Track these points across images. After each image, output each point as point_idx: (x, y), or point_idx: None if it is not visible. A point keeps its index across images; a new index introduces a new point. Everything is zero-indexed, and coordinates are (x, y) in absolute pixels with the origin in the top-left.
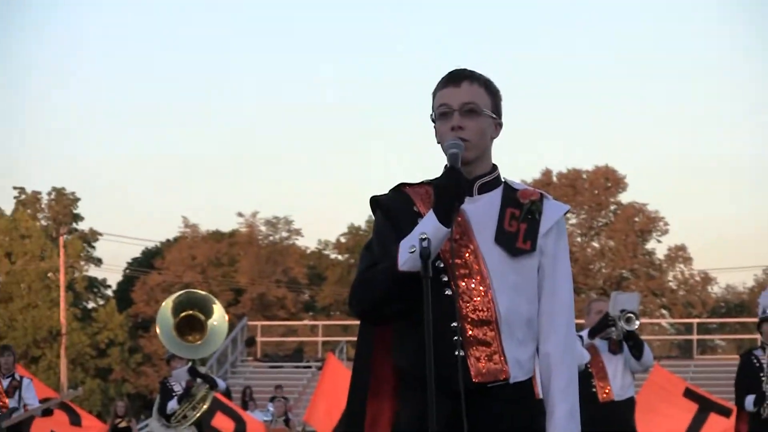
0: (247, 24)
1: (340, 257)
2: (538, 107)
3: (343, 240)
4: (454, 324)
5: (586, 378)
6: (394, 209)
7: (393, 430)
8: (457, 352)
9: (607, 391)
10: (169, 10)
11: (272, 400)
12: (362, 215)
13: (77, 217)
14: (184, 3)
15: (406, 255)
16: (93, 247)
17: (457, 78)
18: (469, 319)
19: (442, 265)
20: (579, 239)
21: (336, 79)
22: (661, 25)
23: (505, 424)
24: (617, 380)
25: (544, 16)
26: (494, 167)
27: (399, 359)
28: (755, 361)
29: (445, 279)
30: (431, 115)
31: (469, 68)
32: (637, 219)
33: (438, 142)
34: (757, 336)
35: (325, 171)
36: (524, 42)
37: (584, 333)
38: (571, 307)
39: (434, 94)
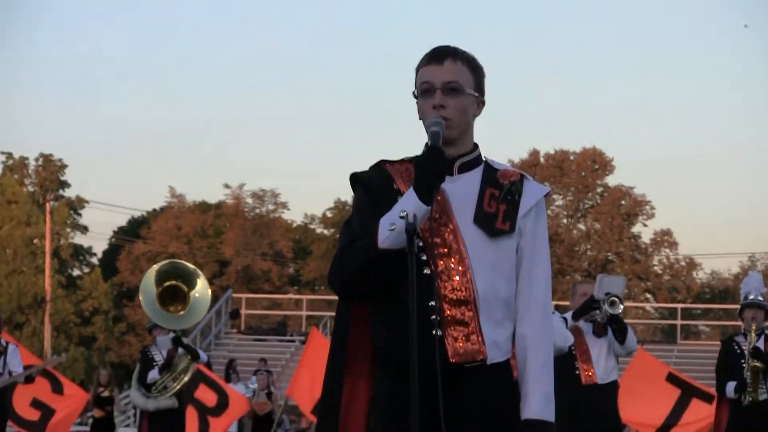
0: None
1: (326, 232)
2: (526, 87)
3: (329, 214)
4: (432, 303)
5: (569, 360)
6: (374, 186)
7: (370, 406)
8: (434, 332)
9: (590, 373)
10: None
11: (256, 373)
12: (349, 190)
13: (64, 184)
14: None
15: (386, 232)
16: (79, 215)
17: (439, 55)
18: (448, 299)
19: (420, 244)
20: (565, 221)
21: (324, 53)
22: (651, 7)
23: (482, 405)
24: (601, 363)
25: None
26: (475, 146)
27: (376, 337)
28: (736, 347)
29: (424, 258)
30: (413, 91)
31: (452, 45)
32: (623, 202)
33: (420, 119)
34: (740, 322)
35: (312, 145)
36: (514, 22)
37: (568, 315)
38: (548, 290)
39: (417, 70)
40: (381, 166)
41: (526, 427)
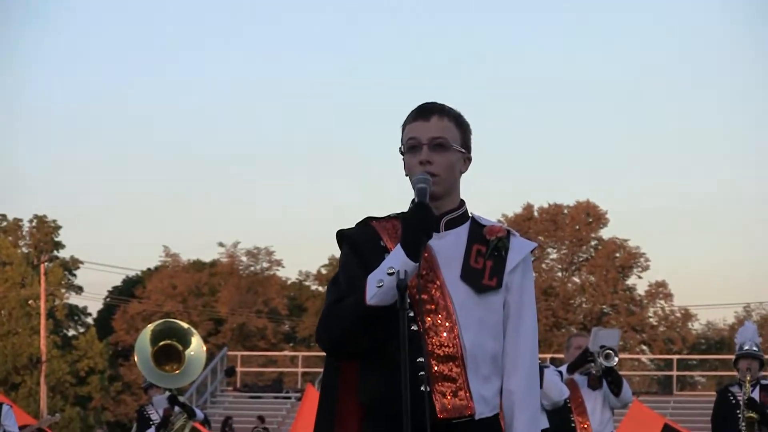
0: (230, 51)
1: (320, 288)
2: (519, 142)
3: (324, 271)
4: (420, 359)
5: (565, 413)
6: (361, 243)
7: None
8: (422, 388)
9: (585, 426)
10: (157, 39)
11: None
12: None
13: (58, 245)
14: (173, 34)
15: (374, 289)
16: (74, 275)
17: (426, 112)
18: (435, 355)
19: (408, 301)
20: (560, 274)
21: (315, 110)
22: (641, 61)
23: None
24: (596, 416)
25: (526, 49)
26: (462, 203)
27: (363, 394)
28: (731, 397)
29: (411, 314)
30: (400, 148)
31: (439, 102)
32: (618, 255)
33: (406, 175)
34: (736, 373)
35: (306, 202)
36: (506, 76)
37: (564, 368)
38: (535, 346)
39: (403, 127)
40: (367, 223)
41: None
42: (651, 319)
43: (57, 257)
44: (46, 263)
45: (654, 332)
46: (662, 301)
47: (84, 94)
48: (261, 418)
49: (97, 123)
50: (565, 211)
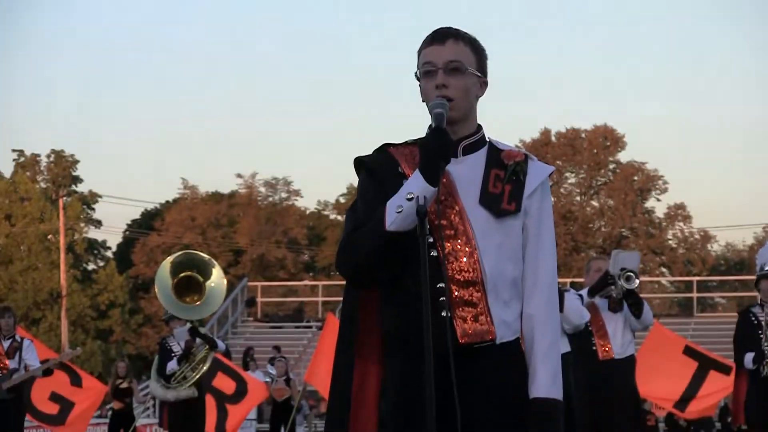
0: None
1: (339, 218)
2: (536, 67)
3: (342, 200)
4: (441, 285)
5: (586, 336)
6: (379, 170)
7: (381, 392)
8: (443, 313)
9: (607, 349)
10: None
11: (271, 361)
12: None
13: (77, 179)
14: None
15: (394, 215)
16: (92, 209)
17: (441, 36)
18: (455, 280)
19: (427, 227)
20: (578, 198)
21: (334, 40)
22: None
23: (493, 383)
24: (617, 338)
25: None
26: (479, 127)
27: (385, 321)
28: (753, 318)
29: (431, 240)
30: (416, 73)
31: (454, 27)
32: (636, 178)
33: (423, 101)
34: (757, 294)
35: (323, 132)
36: (526, 2)
37: (584, 292)
38: (554, 269)
39: (419, 52)
40: (385, 149)
41: (534, 406)
42: (670, 242)
43: (75, 191)
44: (64, 198)
45: (673, 254)
46: (681, 223)
47: (101, 28)
48: (277, 348)
49: (113, 58)
50: (583, 136)
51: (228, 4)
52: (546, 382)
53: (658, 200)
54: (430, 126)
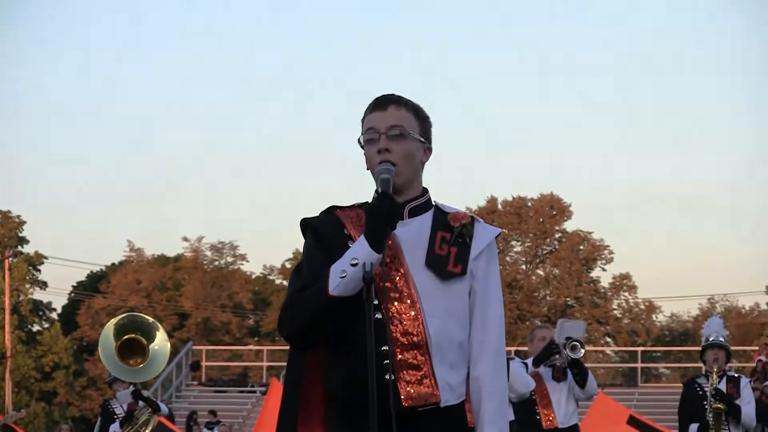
0: (197, 43)
1: (285, 282)
2: (484, 134)
3: (288, 265)
4: (385, 348)
5: (530, 405)
6: (325, 232)
7: None
8: (387, 376)
9: (551, 418)
10: (119, 30)
11: (208, 425)
12: None
13: (23, 240)
14: (136, 28)
15: (338, 279)
16: (38, 270)
17: (383, 102)
18: (399, 343)
19: (373, 291)
20: (524, 267)
21: (280, 104)
22: (608, 53)
23: None
24: (561, 408)
25: (490, 41)
26: (425, 191)
27: (329, 383)
28: (698, 389)
29: (376, 302)
30: (359, 139)
31: (396, 93)
32: (582, 247)
33: (368, 169)
34: (701, 364)
35: (270, 197)
36: (472, 66)
37: (529, 361)
38: (502, 332)
39: (362, 119)
40: (331, 211)
41: None
42: (615, 311)
43: (21, 253)
44: (10, 258)
45: (618, 324)
46: (626, 293)
47: (47, 87)
48: (213, 413)
49: (63, 116)
50: (529, 204)
51: (178, 64)
52: None
53: (604, 270)
54: (376, 191)
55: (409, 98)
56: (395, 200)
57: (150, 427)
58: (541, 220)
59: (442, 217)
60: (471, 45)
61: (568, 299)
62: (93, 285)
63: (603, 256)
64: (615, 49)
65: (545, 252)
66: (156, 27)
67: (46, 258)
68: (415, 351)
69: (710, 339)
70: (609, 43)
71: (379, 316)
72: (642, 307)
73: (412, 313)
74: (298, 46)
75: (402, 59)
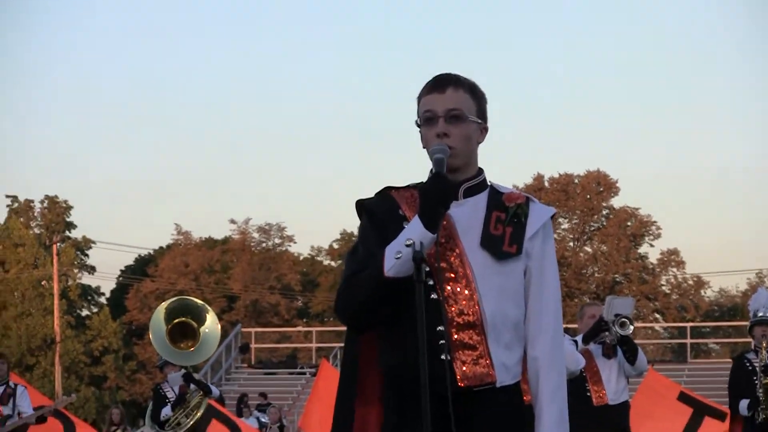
0: (241, 28)
1: (333, 263)
2: (530, 112)
3: (335, 246)
4: (440, 328)
5: (580, 382)
6: (380, 213)
7: None
8: (443, 356)
9: (601, 395)
10: (168, 20)
11: (259, 408)
12: (355, 221)
13: (70, 225)
14: (185, 17)
15: (392, 260)
16: (86, 255)
17: (441, 84)
18: (455, 323)
19: (427, 269)
20: (571, 244)
21: (327, 84)
22: (653, 30)
23: (492, 428)
24: (611, 384)
25: (538, 20)
26: (480, 171)
27: (385, 364)
28: (748, 364)
29: (431, 283)
30: (416, 120)
31: (454, 73)
32: (629, 223)
33: (424, 147)
34: (751, 339)
35: (317, 177)
36: (517, 47)
37: (579, 338)
38: (559, 311)
39: (419, 99)
40: (386, 193)
41: None
42: (664, 287)
43: (69, 237)
44: (58, 243)
45: (667, 300)
46: (674, 269)
47: (95, 73)
48: (264, 395)
49: (108, 102)
50: (576, 181)
51: (225, 50)
52: (551, 425)
53: (652, 246)
54: (431, 171)
55: (465, 77)
56: (449, 180)
57: (202, 410)
58: (588, 196)
59: (497, 198)
60: (521, 21)
61: (616, 276)
62: (141, 269)
63: (651, 232)
64: (655, 22)
65: (593, 229)
66: (198, 11)
67: (93, 242)
68: (471, 331)
69: (758, 314)
70: (649, 15)
71: (434, 296)
72: (690, 282)
73: (468, 293)
74: (338, 29)
75: (446, 41)
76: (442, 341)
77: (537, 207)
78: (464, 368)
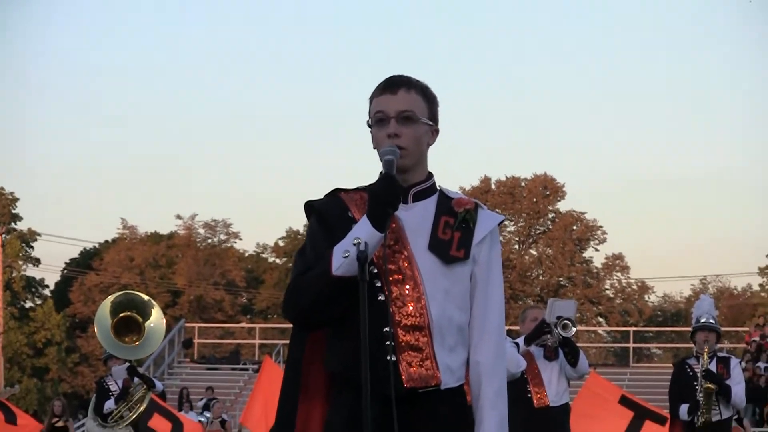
0: (196, 31)
1: (278, 261)
2: (477, 114)
3: (281, 243)
4: (387, 329)
5: (521, 384)
6: (329, 214)
7: None
8: (389, 357)
9: (542, 396)
10: (115, 14)
11: (206, 402)
12: (300, 219)
13: (16, 217)
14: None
15: (340, 260)
16: (31, 247)
17: (393, 85)
18: (402, 325)
19: (375, 271)
20: (517, 247)
21: (275, 82)
22: (600, 33)
23: (435, 430)
24: (552, 386)
25: (486, 22)
26: (430, 175)
27: (330, 363)
28: (689, 369)
29: (379, 284)
30: (367, 121)
31: (406, 75)
32: (575, 227)
33: (374, 148)
34: (692, 345)
35: (264, 175)
36: (466, 48)
37: (520, 340)
38: (502, 317)
39: (371, 100)
40: (335, 194)
41: None
42: (608, 292)
43: (14, 229)
44: (3, 235)
45: (611, 304)
46: (619, 274)
47: (40, 65)
48: (210, 389)
49: (57, 95)
50: (523, 184)
51: (173, 42)
52: (493, 429)
53: (597, 250)
54: (381, 172)
55: (417, 79)
56: (398, 180)
57: (145, 404)
58: (534, 200)
59: (446, 203)
60: (470, 24)
61: (560, 279)
62: (86, 262)
63: (596, 237)
64: (607, 30)
65: (538, 232)
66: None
67: (39, 235)
68: (418, 333)
69: (701, 321)
70: (596, 19)
71: (382, 297)
72: (634, 287)
73: (415, 295)
74: (293, 21)
75: (407, 37)
76: (388, 342)
77: (485, 213)
78: (410, 370)
